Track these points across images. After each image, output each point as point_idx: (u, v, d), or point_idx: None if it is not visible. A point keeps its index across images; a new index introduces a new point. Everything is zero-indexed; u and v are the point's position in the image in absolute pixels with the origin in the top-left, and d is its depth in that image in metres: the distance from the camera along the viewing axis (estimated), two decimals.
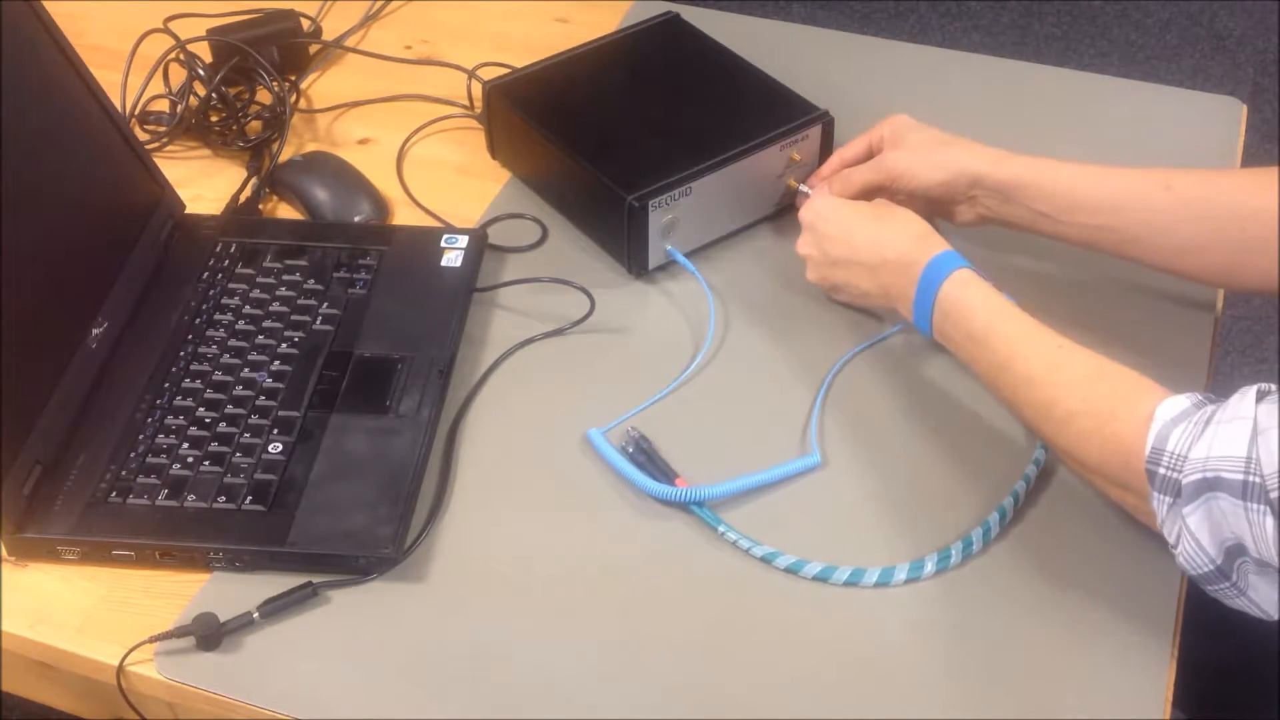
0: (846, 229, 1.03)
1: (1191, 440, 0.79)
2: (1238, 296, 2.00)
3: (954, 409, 1.01)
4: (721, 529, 0.92)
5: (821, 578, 0.90)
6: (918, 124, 1.09)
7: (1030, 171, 1.03)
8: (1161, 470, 0.80)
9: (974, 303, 0.95)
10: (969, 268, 0.96)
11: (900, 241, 1.00)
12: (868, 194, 1.09)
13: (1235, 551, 0.79)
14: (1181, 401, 0.82)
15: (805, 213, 1.07)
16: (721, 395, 1.03)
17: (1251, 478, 0.76)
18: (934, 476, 0.97)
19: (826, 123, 1.14)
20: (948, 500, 0.95)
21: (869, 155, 1.11)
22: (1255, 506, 0.76)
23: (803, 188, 1.14)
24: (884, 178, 1.07)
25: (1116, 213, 1.00)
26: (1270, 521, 0.75)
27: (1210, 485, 0.78)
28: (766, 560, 0.91)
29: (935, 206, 1.08)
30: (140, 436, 0.96)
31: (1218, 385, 1.02)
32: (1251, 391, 0.79)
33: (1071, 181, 1.02)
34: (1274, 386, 0.79)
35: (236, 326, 1.05)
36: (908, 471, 0.97)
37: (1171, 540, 0.82)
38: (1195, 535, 0.80)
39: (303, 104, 1.32)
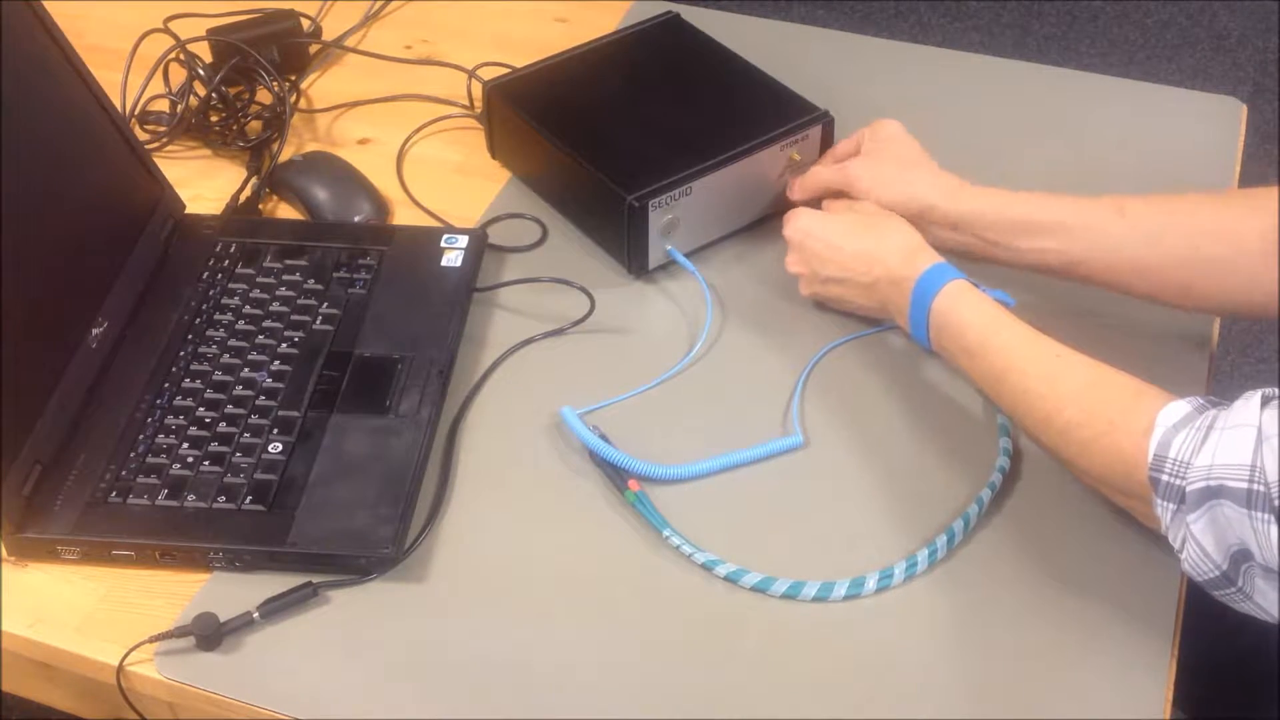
0: (836, 246, 1.03)
1: (1195, 447, 0.79)
2: None
3: (942, 402, 1.01)
4: (666, 532, 0.92)
5: (790, 594, 0.89)
6: (900, 135, 1.09)
7: (981, 202, 1.02)
8: (1165, 477, 0.80)
9: (967, 316, 0.95)
10: (961, 279, 0.96)
11: (891, 257, 1.00)
12: (829, 195, 1.10)
13: (1241, 557, 0.78)
14: (1182, 407, 0.82)
15: (790, 231, 1.06)
16: (712, 391, 1.03)
17: (1256, 486, 0.76)
18: (917, 464, 0.97)
19: (826, 123, 1.14)
20: (932, 488, 0.95)
21: (858, 153, 1.11)
22: (1259, 515, 0.76)
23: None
24: (844, 184, 1.08)
25: (1066, 235, 0.99)
26: (1274, 530, 0.75)
27: (1214, 493, 0.77)
28: (707, 567, 0.91)
29: None
30: (140, 436, 0.96)
31: (1218, 385, 1.02)
32: (1256, 396, 0.79)
33: (1023, 209, 1.01)
34: (1278, 391, 0.78)
35: (236, 326, 1.05)
36: (891, 456, 0.98)
37: (1176, 546, 0.82)
38: (1200, 542, 0.79)
39: (303, 104, 1.32)
